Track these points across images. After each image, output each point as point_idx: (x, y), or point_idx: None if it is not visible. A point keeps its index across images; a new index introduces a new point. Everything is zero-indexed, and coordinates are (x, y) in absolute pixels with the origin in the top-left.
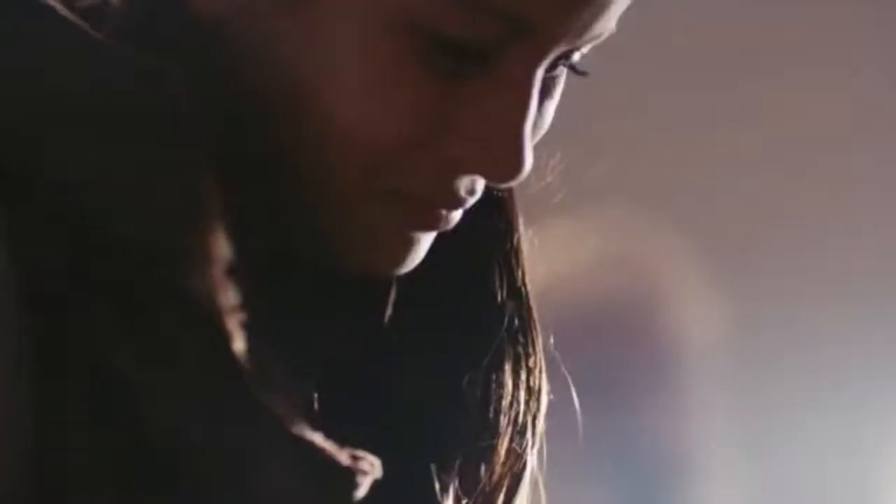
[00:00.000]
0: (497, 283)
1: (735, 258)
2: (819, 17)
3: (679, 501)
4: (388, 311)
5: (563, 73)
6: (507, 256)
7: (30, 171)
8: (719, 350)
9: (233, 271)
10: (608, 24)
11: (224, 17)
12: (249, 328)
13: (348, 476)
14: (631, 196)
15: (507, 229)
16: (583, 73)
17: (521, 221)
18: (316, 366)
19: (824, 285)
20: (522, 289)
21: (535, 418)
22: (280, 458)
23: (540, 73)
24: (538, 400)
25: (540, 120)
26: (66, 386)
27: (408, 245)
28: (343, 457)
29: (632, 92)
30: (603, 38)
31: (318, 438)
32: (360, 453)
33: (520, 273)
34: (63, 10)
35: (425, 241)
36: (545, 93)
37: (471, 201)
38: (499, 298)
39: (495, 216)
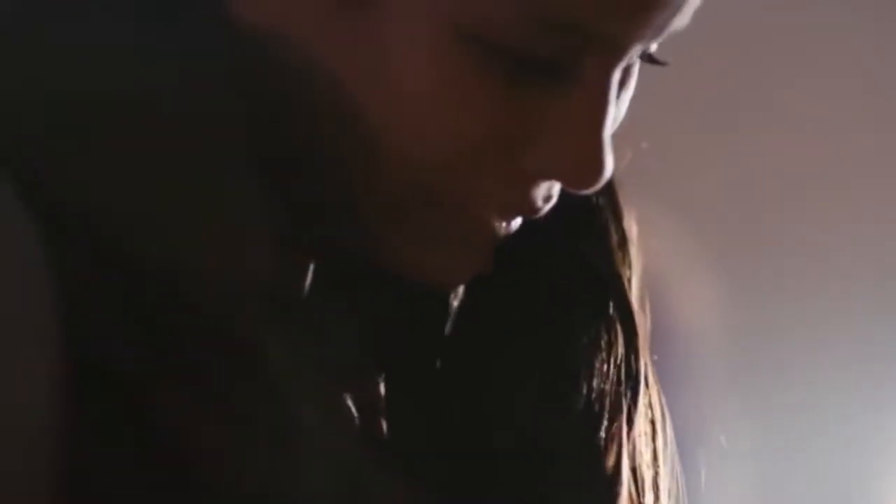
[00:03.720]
0: (583, 275)
1: (739, 254)
2: (832, 22)
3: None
4: (452, 313)
5: (637, 62)
6: (595, 240)
7: (68, 190)
8: (721, 346)
9: (276, 291)
10: (683, 21)
11: (272, 19)
12: (295, 345)
13: (392, 499)
14: (634, 191)
15: (592, 211)
16: (662, 63)
17: (619, 203)
18: (375, 376)
19: (827, 280)
20: (615, 277)
21: (633, 402)
22: (320, 478)
23: (617, 76)
24: (634, 385)
25: (616, 113)
26: (96, 406)
27: (468, 256)
28: (386, 479)
29: (636, 90)
30: (680, 30)
31: (359, 458)
32: (405, 474)
33: (612, 260)
34: (109, 17)
35: (486, 253)
36: (621, 85)
37: (546, 208)
38: (586, 291)
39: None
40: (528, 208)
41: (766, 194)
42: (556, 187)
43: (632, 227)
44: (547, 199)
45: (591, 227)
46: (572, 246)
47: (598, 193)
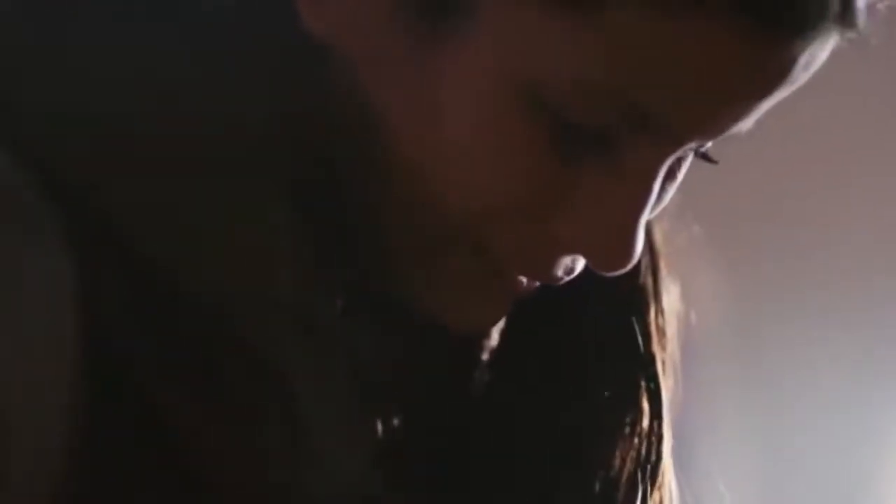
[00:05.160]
0: (615, 332)
1: (740, 253)
2: None
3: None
4: (482, 355)
5: (690, 156)
6: (628, 303)
7: (102, 205)
8: (721, 345)
9: (301, 312)
10: (746, 125)
11: (337, 40)
12: (316, 366)
13: None
14: None
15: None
16: (714, 162)
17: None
18: (397, 408)
19: (828, 279)
20: (649, 360)
21: (654, 471)
22: (325, 494)
23: (667, 165)
24: (654, 469)
25: (657, 202)
26: (112, 418)
27: (487, 304)
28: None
29: None
30: (741, 133)
31: (367, 481)
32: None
33: (643, 324)
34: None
35: (505, 304)
36: (669, 175)
37: (565, 279)
38: (616, 348)
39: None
40: (546, 275)
41: (769, 192)
42: (580, 262)
43: (672, 307)
44: (568, 271)
45: (633, 304)
46: (614, 319)
47: (644, 271)
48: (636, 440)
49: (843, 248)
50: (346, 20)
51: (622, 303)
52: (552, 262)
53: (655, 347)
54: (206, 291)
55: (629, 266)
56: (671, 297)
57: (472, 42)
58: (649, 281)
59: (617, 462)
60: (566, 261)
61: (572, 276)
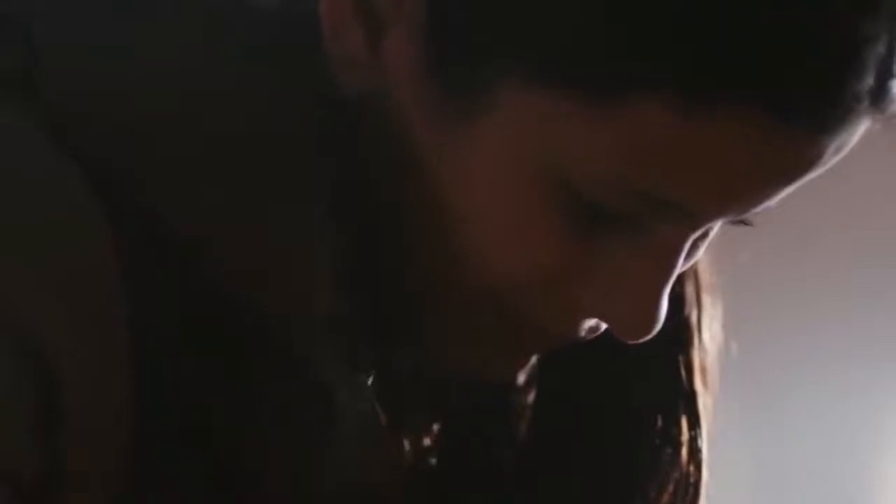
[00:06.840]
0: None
1: (739, 251)
2: None
3: None
4: (518, 384)
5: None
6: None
7: (157, 212)
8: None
9: (341, 328)
10: (772, 203)
11: (373, 101)
12: (352, 382)
13: None
14: None
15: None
16: (749, 224)
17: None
18: (429, 427)
19: (828, 278)
20: (692, 396)
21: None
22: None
23: (692, 238)
24: (696, 489)
25: (686, 262)
26: (152, 419)
27: (510, 358)
28: None
29: None
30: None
31: (393, 493)
32: None
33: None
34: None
35: (528, 356)
36: (700, 236)
37: (590, 337)
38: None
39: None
40: (571, 333)
41: None
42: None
43: (715, 339)
44: (593, 330)
45: (677, 337)
46: (658, 352)
47: (689, 304)
48: (675, 474)
49: (843, 249)
50: (381, 82)
51: (666, 336)
52: (576, 323)
53: (698, 383)
54: (246, 297)
55: (651, 335)
56: (713, 330)
57: (497, 120)
58: (694, 315)
59: (653, 495)
60: (591, 322)
61: (597, 333)
